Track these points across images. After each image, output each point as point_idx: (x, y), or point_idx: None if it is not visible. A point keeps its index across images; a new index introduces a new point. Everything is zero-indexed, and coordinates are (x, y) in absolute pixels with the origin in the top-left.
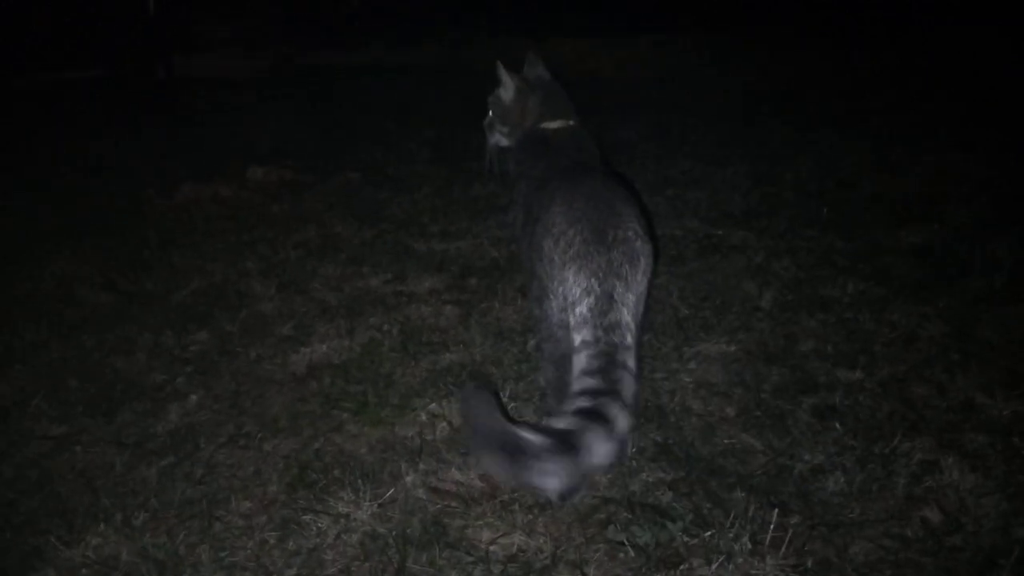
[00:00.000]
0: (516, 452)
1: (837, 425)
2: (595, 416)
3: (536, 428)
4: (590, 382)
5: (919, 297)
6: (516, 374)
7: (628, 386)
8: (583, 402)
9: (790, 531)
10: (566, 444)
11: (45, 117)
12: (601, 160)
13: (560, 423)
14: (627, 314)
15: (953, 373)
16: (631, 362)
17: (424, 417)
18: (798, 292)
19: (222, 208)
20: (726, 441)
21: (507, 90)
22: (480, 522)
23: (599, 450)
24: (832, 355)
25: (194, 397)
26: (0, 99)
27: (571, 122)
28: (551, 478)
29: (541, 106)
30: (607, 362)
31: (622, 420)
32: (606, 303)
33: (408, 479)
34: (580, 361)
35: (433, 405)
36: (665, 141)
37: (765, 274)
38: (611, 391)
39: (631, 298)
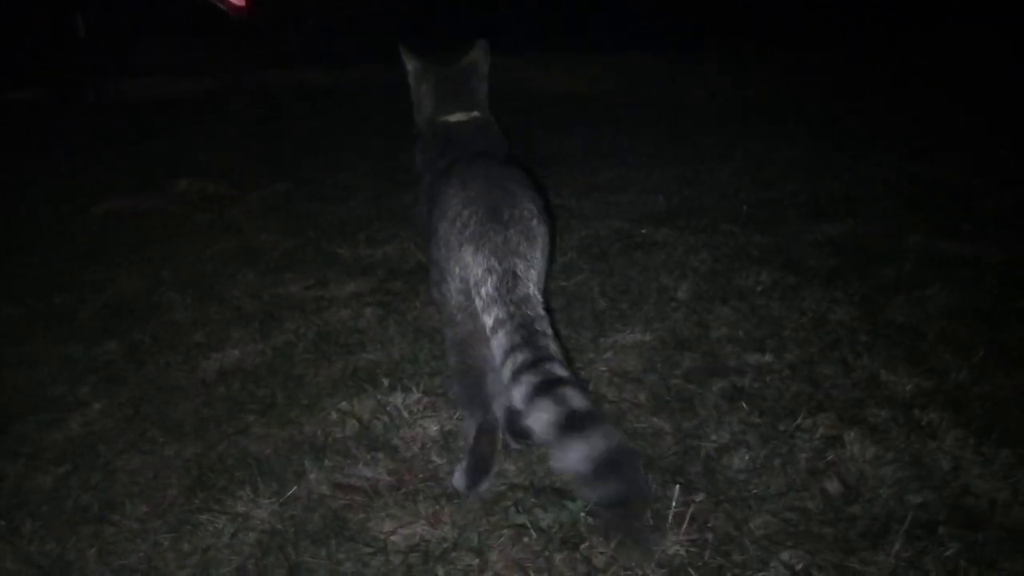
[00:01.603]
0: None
1: (744, 405)
2: (553, 382)
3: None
4: (520, 357)
5: (830, 284)
6: (431, 370)
7: (554, 348)
8: (531, 378)
9: (692, 507)
10: (574, 424)
11: None
12: (507, 152)
13: (547, 416)
14: (532, 287)
15: (859, 353)
16: (548, 329)
17: (334, 415)
18: (713, 283)
19: (142, 221)
20: (637, 425)
21: (410, 75)
22: (382, 514)
23: (581, 401)
24: (743, 340)
25: (97, 406)
26: None
27: (475, 114)
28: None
29: (441, 96)
30: (528, 333)
31: (566, 373)
32: (511, 280)
33: (312, 476)
34: (500, 342)
35: (344, 403)
36: (597, 151)
37: (683, 268)
38: (544, 357)
39: (533, 274)
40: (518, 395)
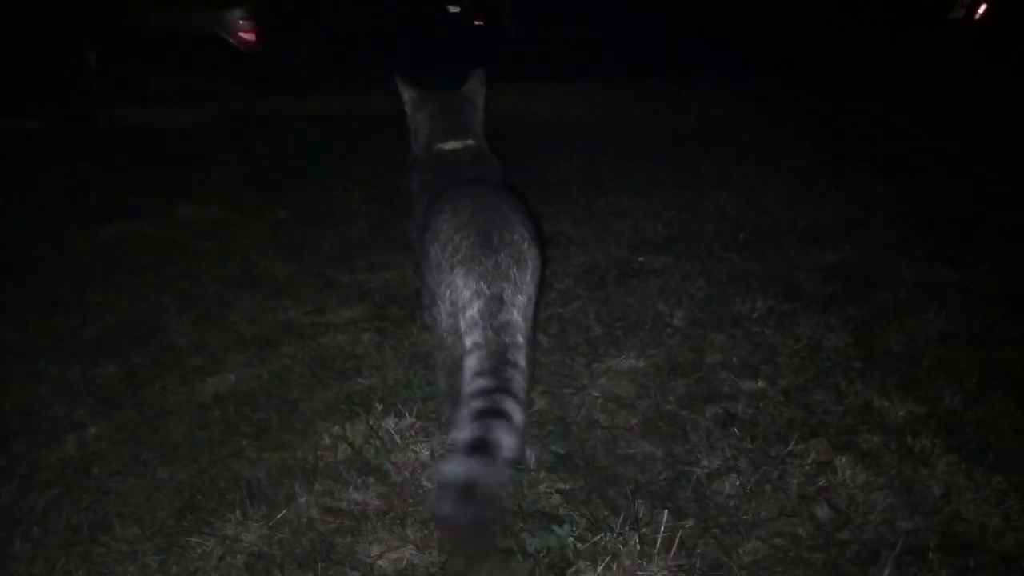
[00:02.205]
0: (450, 495)
1: (736, 431)
2: (493, 413)
3: (450, 459)
4: (481, 383)
5: (826, 311)
6: (424, 395)
7: (518, 383)
8: (477, 403)
9: (680, 532)
10: (482, 449)
11: None
12: (502, 179)
13: (465, 433)
14: (517, 314)
15: (853, 380)
16: (521, 360)
17: (327, 440)
18: (709, 310)
19: (146, 245)
20: (628, 451)
21: (406, 103)
22: (370, 538)
23: (507, 443)
24: (737, 366)
25: (93, 428)
26: None
27: (470, 142)
28: (484, 479)
29: (437, 125)
30: (498, 361)
31: (517, 414)
32: (496, 305)
33: (302, 500)
34: (471, 363)
35: (337, 428)
36: (595, 178)
37: (679, 294)
38: (502, 388)
39: (521, 299)
40: (463, 415)
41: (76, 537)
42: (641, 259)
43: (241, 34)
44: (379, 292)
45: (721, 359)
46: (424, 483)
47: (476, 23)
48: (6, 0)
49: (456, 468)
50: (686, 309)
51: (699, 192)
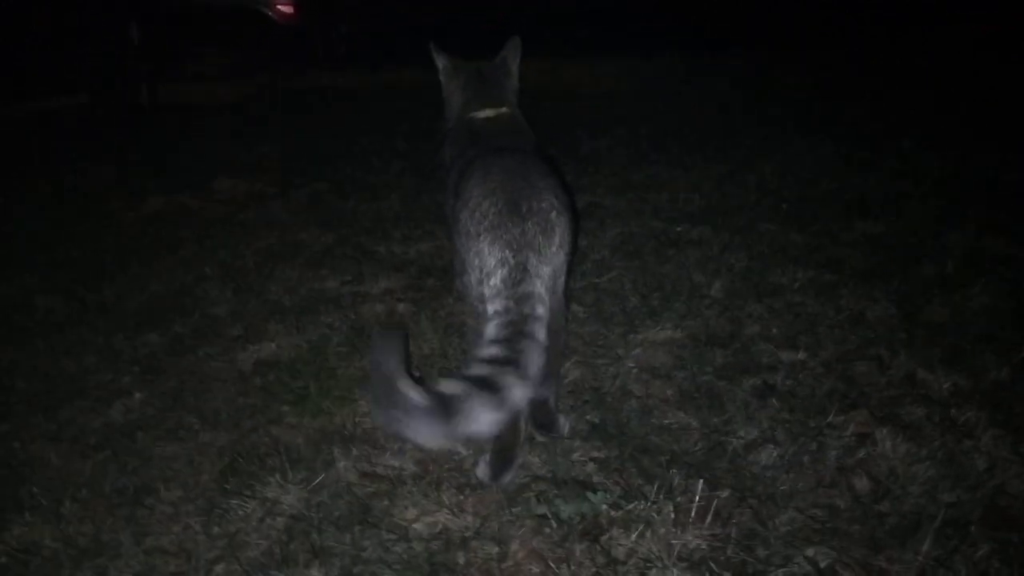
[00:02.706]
0: (394, 402)
1: (774, 402)
2: (485, 384)
3: (423, 386)
4: (492, 350)
5: (869, 283)
6: (459, 363)
7: (531, 357)
8: (479, 369)
9: (716, 502)
10: (442, 407)
11: (21, 142)
12: (535, 147)
13: (447, 387)
14: (540, 286)
15: (896, 351)
16: (540, 333)
17: (364, 406)
18: (748, 281)
19: (187, 218)
20: (663, 421)
21: (440, 72)
22: (406, 502)
23: (481, 417)
24: (776, 337)
25: (138, 395)
26: None
27: (504, 110)
28: (418, 435)
29: (470, 93)
30: (513, 332)
31: (517, 390)
32: (519, 274)
33: (340, 465)
34: (489, 331)
35: None
36: (632, 150)
37: (718, 265)
38: (511, 360)
39: (546, 270)
40: (463, 371)
41: (122, 499)
42: (679, 230)
43: (280, 7)
44: (415, 263)
45: (760, 330)
46: (459, 449)
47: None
48: None
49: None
50: (725, 280)
51: (740, 163)
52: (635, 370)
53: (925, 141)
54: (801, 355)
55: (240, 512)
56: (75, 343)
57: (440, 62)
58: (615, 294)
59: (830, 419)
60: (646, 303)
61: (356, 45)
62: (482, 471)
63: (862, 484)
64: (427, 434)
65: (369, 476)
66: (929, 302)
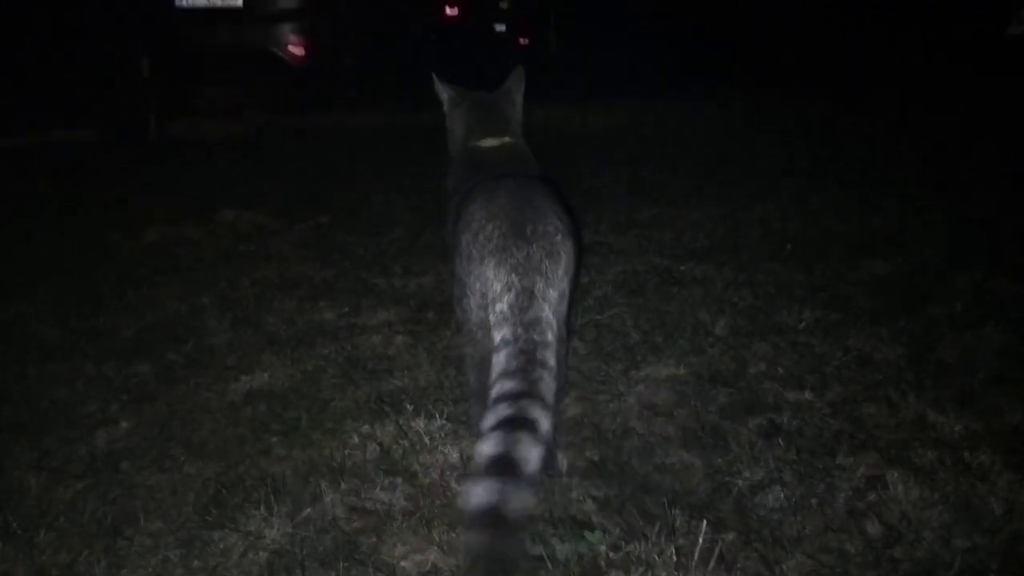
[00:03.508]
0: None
1: (780, 443)
2: (519, 423)
3: (476, 479)
4: (508, 385)
5: (876, 323)
6: (455, 397)
7: (547, 385)
8: (504, 410)
9: (720, 545)
10: (506, 468)
11: (27, 173)
12: (540, 175)
13: (488, 447)
14: (548, 310)
15: (905, 392)
16: (551, 360)
17: (355, 439)
18: (753, 319)
19: (187, 249)
20: (666, 460)
21: (444, 103)
22: (395, 539)
23: (532, 457)
24: (782, 377)
25: (125, 424)
26: None
27: (507, 139)
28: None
29: (473, 122)
30: (526, 361)
31: (544, 421)
32: (526, 299)
33: (327, 498)
34: (499, 361)
35: (366, 427)
36: (637, 188)
37: (721, 303)
38: (530, 392)
39: (552, 294)
40: (487, 420)
41: (100, 529)
42: (682, 268)
43: (291, 48)
44: (414, 296)
45: (765, 369)
46: (452, 485)
47: (521, 41)
48: (65, 7)
49: (482, 493)
50: (728, 318)
51: (743, 203)
52: (637, 407)
53: (927, 183)
54: (807, 395)
55: (221, 545)
56: (66, 371)
57: (444, 93)
58: (617, 331)
59: (839, 460)
60: (648, 339)
61: (366, 86)
62: None
63: (874, 528)
64: (523, 502)
65: (357, 511)
66: (938, 343)
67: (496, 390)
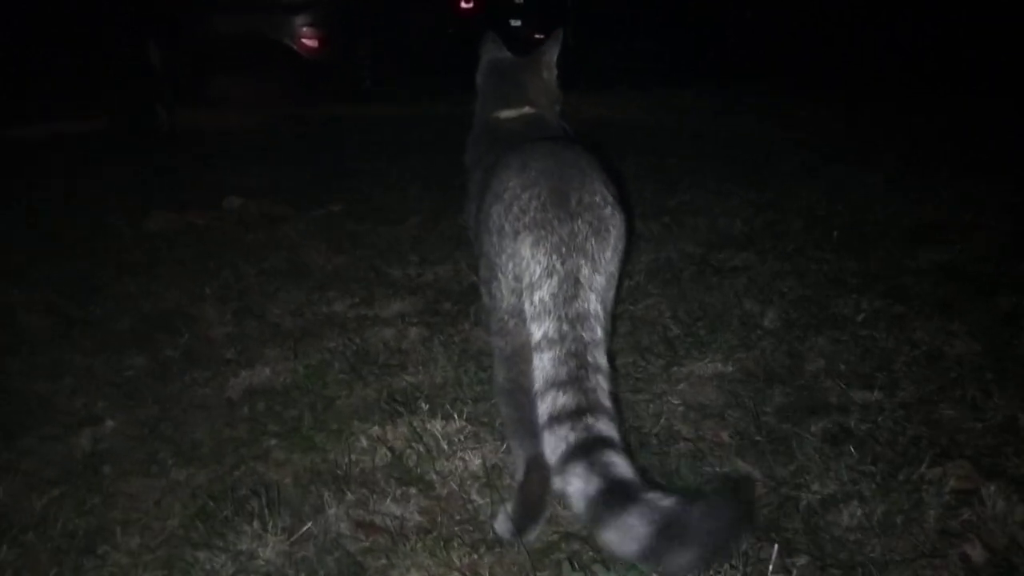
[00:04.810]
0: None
1: (852, 450)
2: (598, 445)
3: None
4: (563, 400)
5: (943, 315)
6: (476, 395)
7: (605, 392)
8: (569, 432)
9: (794, 572)
10: (614, 498)
11: (34, 163)
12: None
13: (579, 483)
14: (595, 300)
15: (989, 393)
16: (604, 361)
17: (364, 443)
18: (805, 311)
19: (191, 237)
20: (719, 469)
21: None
22: (408, 561)
23: (626, 469)
24: (845, 375)
25: (111, 422)
26: None
27: (526, 109)
28: (636, 539)
29: (492, 92)
30: (577, 366)
31: (616, 435)
32: (571, 287)
33: (331, 511)
34: (544, 365)
35: (375, 429)
36: (664, 175)
37: (768, 293)
38: (591, 407)
39: (599, 280)
40: (550, 446)
41: (71, 545)
42: (721, 256)
43: (304, 40)
44: (431, 287)
45: (825, 365)
46: (474, 497)
47: (536, 36)
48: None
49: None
50: (778, 309)
51: (780, 190)
52: (681, 408)
53: (978, 169)
54: (876, 395)
55: (208, 567)
56: (52, 363)
57: (484, 55)
58: (653, 323)
59: (923, 471)
60: (690, 333)
61: (381, 80)
62: (502, 525)
63: (976, 553)
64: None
65: (365, 527)
66: (1017, 337)
67: (548, 405)
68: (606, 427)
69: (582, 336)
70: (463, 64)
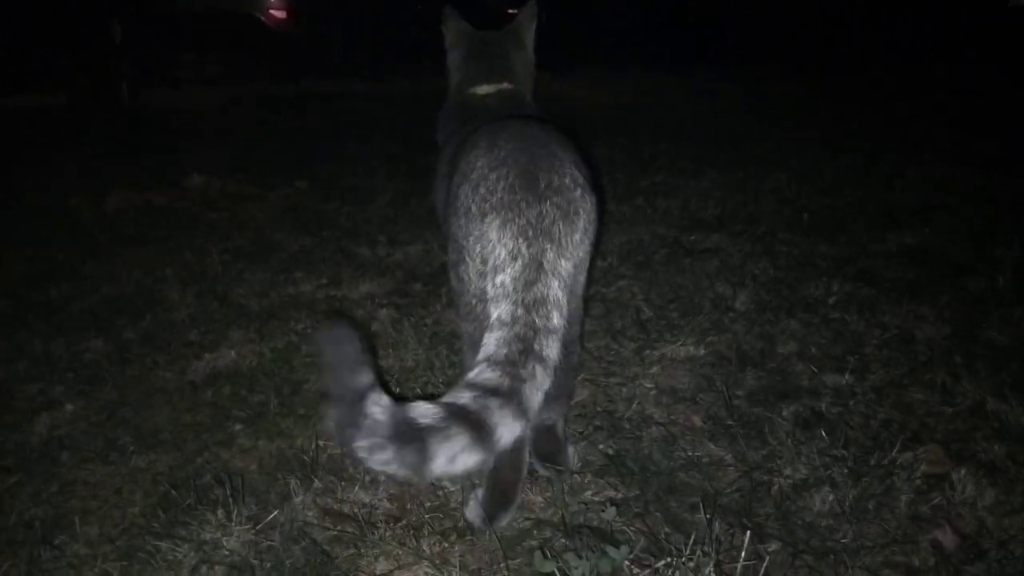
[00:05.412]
0: (353, 412)
1: (824, 434)
2: (468, 420)
3: (393, 402)
4: (488, 375)
5: (914, 298)
6: (448, 379)
7: (534, 387)
8: (465, 396)
9: (766, 560)
10: (406, 436)
11: None
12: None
13: (419, 412)
14: (557, 286)
15: (958, 377)
16: (552, 351)
17: (332, 427)
18: (777, 293)
19: (152, 217)
20: (690, 453)
21: (446, 40)
22: (377, 550)
23: (457, 460)
24: (817, 358)
25: (70, 407)
26: None
27: (505, 85)
28: (370, 455)
29: (469, 65)
30: (520, 350)
31: (507, 431)
32: (533, 272)
33: (297, 499)
34: (488, 344)
35: None
36: (636, 157)
37: (740, 276)
38: (508, 392)
39: (565, 266)
40: (442, 400)
41: (27, 535)
42: (692, 238)
43: (272, 12)
44: (400, 267)
45: (797, 348)
46: (445, 484)
47: (509, 11)
48: None
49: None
50: (750, 291)
51: (753, 172)
52: (654, 391)
53: (946, 155)
54: (848, 378)
55: (170, 557)
56: (9, 348)
57: (449, 28)
58: (626, 305)
59: (894, 456)
60: (662, 315)
61: (351, 53)
62: (473, 512)
63: (947, 539)
64: (385, 463)
65: (333, 515)
66: (985, 320)
67: (473, 374)
68: (502, 418)
69: (534, 321)
70: (433, 41)
